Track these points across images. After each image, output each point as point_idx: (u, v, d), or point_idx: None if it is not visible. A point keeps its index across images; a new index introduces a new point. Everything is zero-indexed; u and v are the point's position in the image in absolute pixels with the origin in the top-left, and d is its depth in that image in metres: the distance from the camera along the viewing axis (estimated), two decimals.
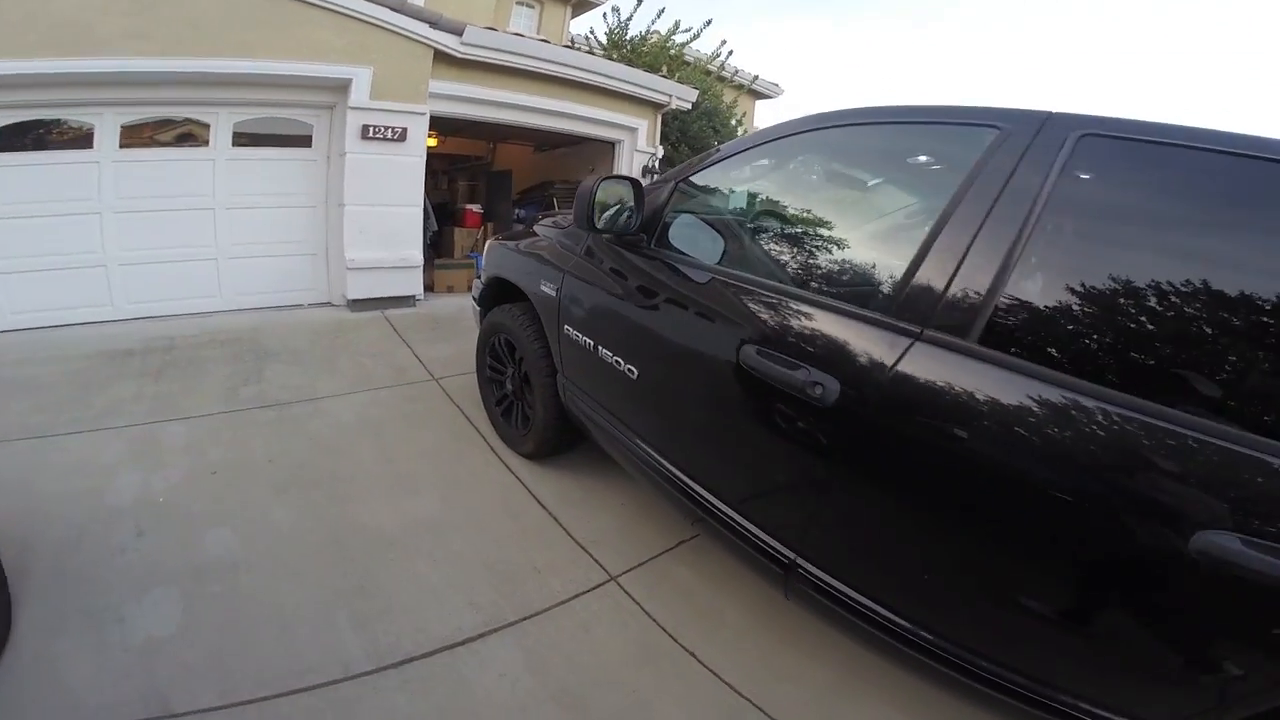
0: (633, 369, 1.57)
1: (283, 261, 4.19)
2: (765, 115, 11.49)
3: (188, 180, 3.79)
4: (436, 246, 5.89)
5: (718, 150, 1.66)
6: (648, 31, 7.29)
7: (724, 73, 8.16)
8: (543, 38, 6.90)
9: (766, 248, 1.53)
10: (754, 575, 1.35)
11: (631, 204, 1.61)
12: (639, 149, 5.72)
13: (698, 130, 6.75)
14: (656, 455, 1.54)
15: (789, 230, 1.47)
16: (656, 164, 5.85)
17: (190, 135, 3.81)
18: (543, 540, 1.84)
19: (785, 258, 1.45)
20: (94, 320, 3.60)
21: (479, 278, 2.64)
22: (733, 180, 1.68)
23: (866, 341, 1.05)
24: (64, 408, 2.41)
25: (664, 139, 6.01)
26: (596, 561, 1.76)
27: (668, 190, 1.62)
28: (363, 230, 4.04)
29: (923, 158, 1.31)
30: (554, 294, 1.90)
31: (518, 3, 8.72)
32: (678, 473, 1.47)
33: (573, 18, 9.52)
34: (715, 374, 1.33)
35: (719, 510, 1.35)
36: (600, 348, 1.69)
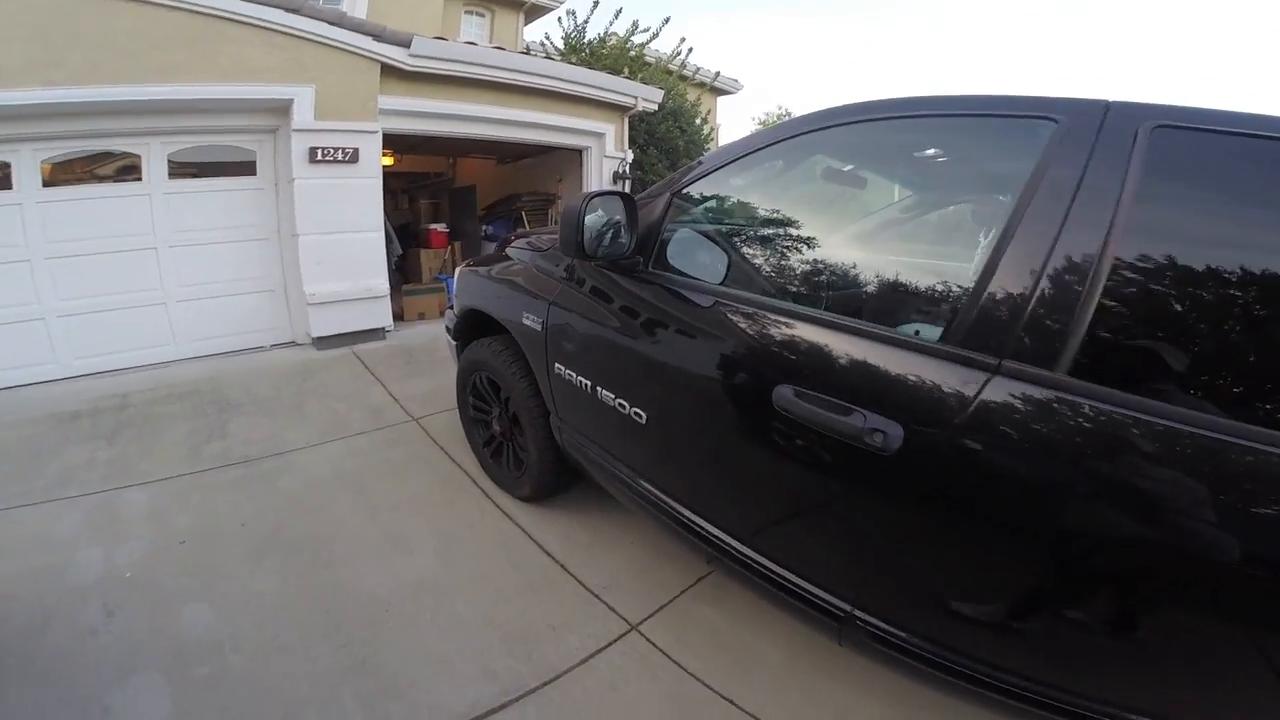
0: (640, 413, 1.40)
1: (238, 301, 3.92)
2: (727, 112, 11.54)
3: (123, 219, 3.50)
4: (403, 270, 5.65)
5: (716, 153, 1.46)
6: (606, 34, 7.17)
7: (685, 71, 8.08)
8: (498, 45, 6.71)
9: (790, 266, 1.35)
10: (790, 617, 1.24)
11: (624, 222, 1.44)
12: (608, 154, 5.59)
13: (665, 131, 6.65)
14: (675, 504, 1.38)
15: (813, 245, 1.32)
16: (627, 169, 5.73)
17: (135, 168, 3.52)
18: (553, 592, 1.69)
19: (815, 278, 1.28)
20: (38, 380, 3.33)
21: (451, 307, 2.44)
22: (738, 187, 1.52)
23: (932, 377, 0.90)
24: (12, 479, 2.23)
25: (632, 142, 5.90)
26: (614, 610, 1.62)
27: (662, 203, 1.44)
28: (321, 261, 3.80)
29: (968, 157, 1.17)
30: (538, 328, 1.71)
31: (467, 11, 8.47)
32: (703, 523, 1.32)
33: (526, 24, 9.32)
34: (744, 419, 1.17)
35: (756, 563, 1.21)
36: (599, 389, 1.51)
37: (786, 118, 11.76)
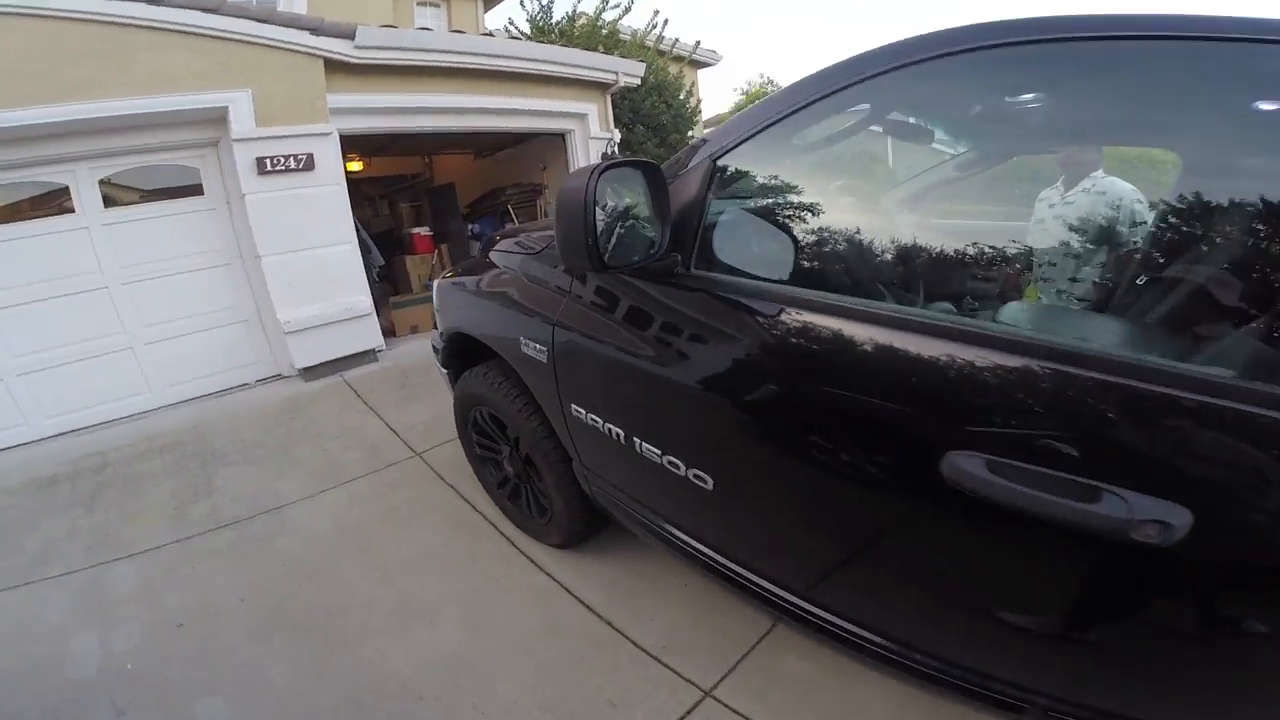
0: (703, 476, 1.04)
1: (212, 336, 3.59)
2: (707, 85, 11.02)
3: (63, 258, 3.14)
4: (391, 279, 5.31)
5: (773, 101, 1.02)
6: (574, 13, 6.66)
7: (663, 46, 7.55)
8: (458, 29, 6.23)
9: (966, 256, 0.94)
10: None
11: (649, 205, 1.03)
12: (593, 136, 5.18)
13: (650, 107, 6.26)
14: (769, 585, 1.06)
15: (980, 221, 0.98)
16: (615, 149, 5.33)
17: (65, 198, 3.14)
18: (605, 658, 1.43)
19: (1002, 273, 0.91)
20: (9, 445, 3.08)
21: (436, 328, 2.07)
22: (818, 145, 1.11)
23: (1240, 435, 0.57)
24: None
25: (617, 121, 5.50)
26: (679, 675, 1.36)
27: (700, 176, 1.04)
28: (291, 284, 3.46)
29: (1236, 100, 0.71)
30: (543, 358, 1.35)
31: (420, 3, 7.87)
32: (811, 609, 1.00)
33: (486, 10, 8.73)
34: (889, 495, 0.82)
35: (888, 650, 0.91)
36: (637, 440, 1.15)
37: (771, 87, 11.12)
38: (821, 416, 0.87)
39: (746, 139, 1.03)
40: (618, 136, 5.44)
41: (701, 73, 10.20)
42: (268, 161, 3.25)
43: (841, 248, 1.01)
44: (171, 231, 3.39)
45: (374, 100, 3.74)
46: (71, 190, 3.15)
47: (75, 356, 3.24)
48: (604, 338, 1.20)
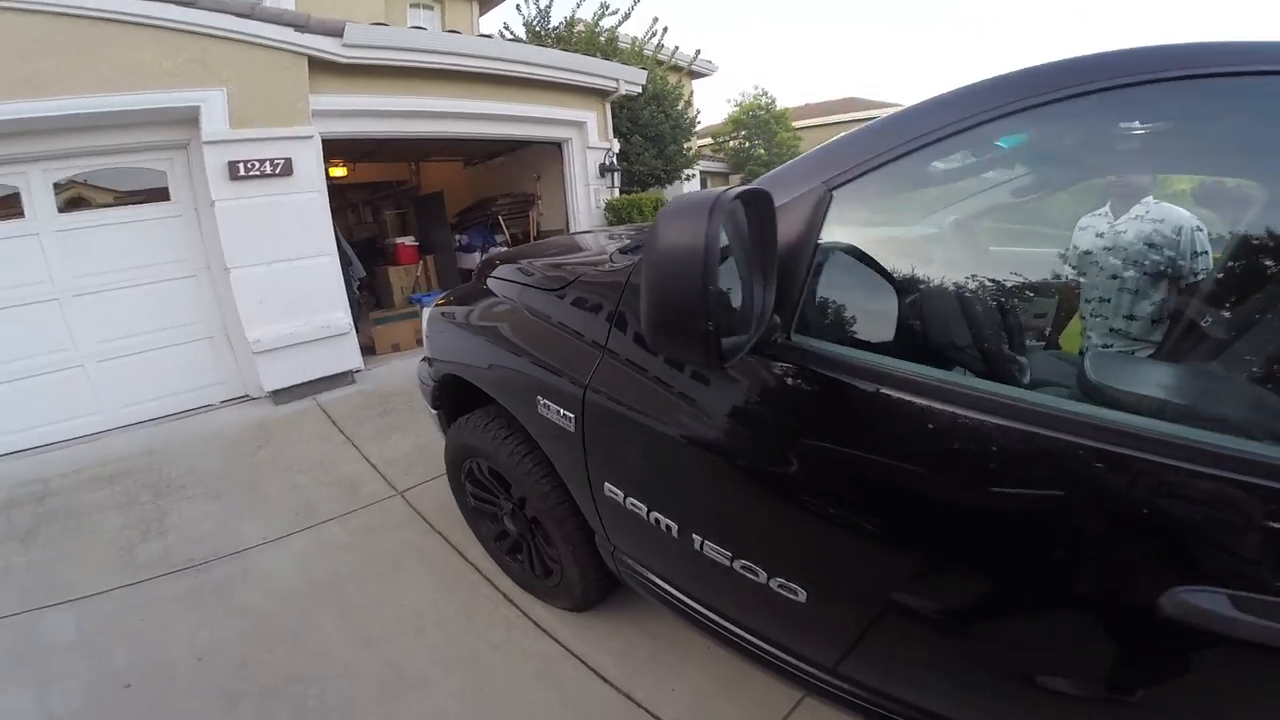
0: (794, 588, 0.85)
1: (173, 354, 3.30)
2: (701, 95, 11.03)
3: (9, 266, 2.85)
4: (372, 290, 5.07)
5: (917, 116, 0.77)
6: (572, 19, 6.54)
7: (661, 56, 7.40)
8: (453, 29, 6.09)
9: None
10: None
11: (751, 254, 0.74)
12: (591, 145, 5.04)
13: (649, 116, 6.17)
14: (860, 690, 0.87)
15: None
16: (614, 160, 5.20)
17: (15, 201, 2.86)
18: None
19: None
20: None
21: (426, 360, 1.82)
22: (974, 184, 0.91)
23: None
24: None
25: (615, 130, 5.38)
26: None
27: (808, 210, 0.78)
28: (263, 299, 3.21)
29: None
30: (569, 426, 1.11)
31: (413, 5, 7.71)
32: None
33: (481, 14, 8.60)
34: (1084, 624, 0.64)
35: None
36: (698, 539, 0.96)
37: (765, 98, 10.88)
38: (1005, 541, 0.66)
39: (874, 167, 0.77)
40: (616, 147, 5.32)
41: (697, 83, 10.13)
42: (241, 166, 3.02)
43: (1018, 328, 0.80)
44: (132, 240, 3.11)
45: (362, 102, 3.55)
46: (22, 193, 2.87)
47: (20, 374, 2.94)
48: (657, 414, 0.96)
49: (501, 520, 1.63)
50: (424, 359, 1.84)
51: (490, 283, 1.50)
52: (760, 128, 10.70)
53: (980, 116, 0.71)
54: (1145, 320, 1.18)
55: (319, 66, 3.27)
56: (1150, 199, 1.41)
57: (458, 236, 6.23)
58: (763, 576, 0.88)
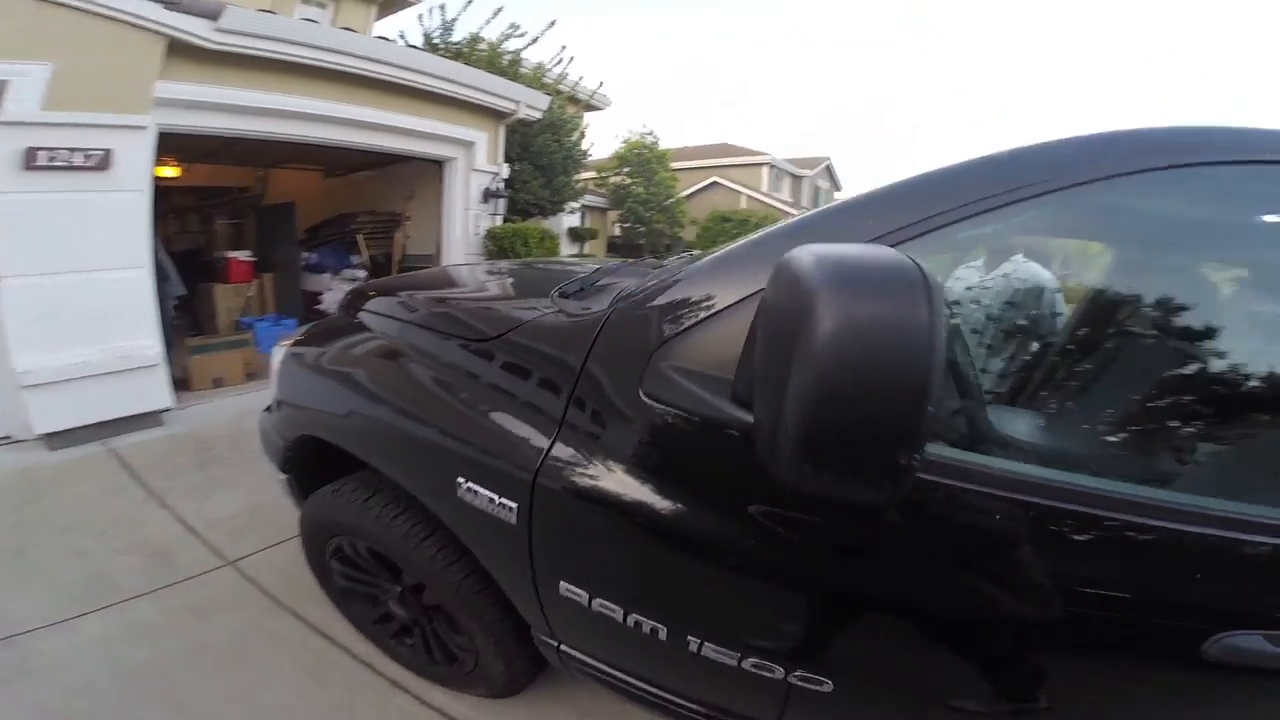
0: (819, 679, 0.79)
1: None
2: (595, 128, 11.20)
3: None
4: (190, 312, 4.21)
5: (984, 171, 0.72)
6: (475, 37, 6.32)
7: (563, 85, 7.34)
8: (345, 27, 5.66)
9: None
10: None
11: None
12: (478, 168, 4.83)
13: (542, 144, 6.07)
14: None
15: None
16: (500, 186, 5.05)
17: None
18: None
19: None
20: None
21: (269, 408, 1.48)
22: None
23: None
24: None
25: (505, 155, 5.22)
26: None
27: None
28: (43, 316, 2.50)
29: None
30: (510, 518, 0.90)
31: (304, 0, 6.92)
32: None
33: (379, 18, 7.94)
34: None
35: None
36: (694, 641, 0.84)
37: (650, 137, 11.24)
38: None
39: (937, 227, 0.69)
40: (505, 172, 5.16)
41: (590, 115, 10.13)
42: (41, 154, 2.39)
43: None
44: None
45: (222, 95, 3.08)
46: None
47: None
48: (644, 505, 0.80)
49: (385, 604, 1.43)
50: (267, 408, 1.50)
51: (365, 318, 1.26)
52: (642, 166, 11.07)
53: (1033, 185, 0.68)
54: (993, 375, 1.18)
55: (180, 51, 2.81)
56: (1019, 256, 1.53)
57: (306, 254, 5.55)
58: (779, 674, 0.80)
